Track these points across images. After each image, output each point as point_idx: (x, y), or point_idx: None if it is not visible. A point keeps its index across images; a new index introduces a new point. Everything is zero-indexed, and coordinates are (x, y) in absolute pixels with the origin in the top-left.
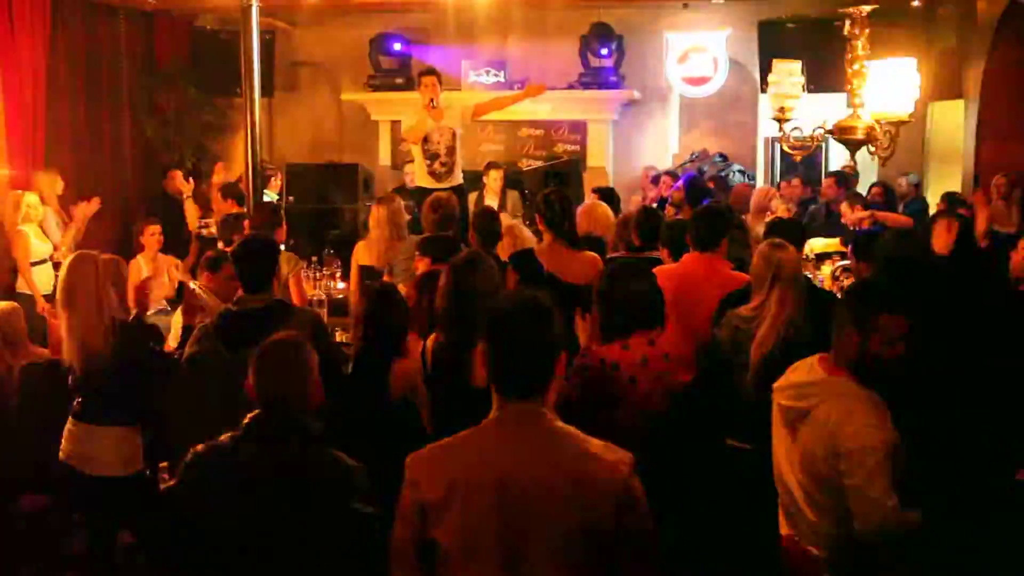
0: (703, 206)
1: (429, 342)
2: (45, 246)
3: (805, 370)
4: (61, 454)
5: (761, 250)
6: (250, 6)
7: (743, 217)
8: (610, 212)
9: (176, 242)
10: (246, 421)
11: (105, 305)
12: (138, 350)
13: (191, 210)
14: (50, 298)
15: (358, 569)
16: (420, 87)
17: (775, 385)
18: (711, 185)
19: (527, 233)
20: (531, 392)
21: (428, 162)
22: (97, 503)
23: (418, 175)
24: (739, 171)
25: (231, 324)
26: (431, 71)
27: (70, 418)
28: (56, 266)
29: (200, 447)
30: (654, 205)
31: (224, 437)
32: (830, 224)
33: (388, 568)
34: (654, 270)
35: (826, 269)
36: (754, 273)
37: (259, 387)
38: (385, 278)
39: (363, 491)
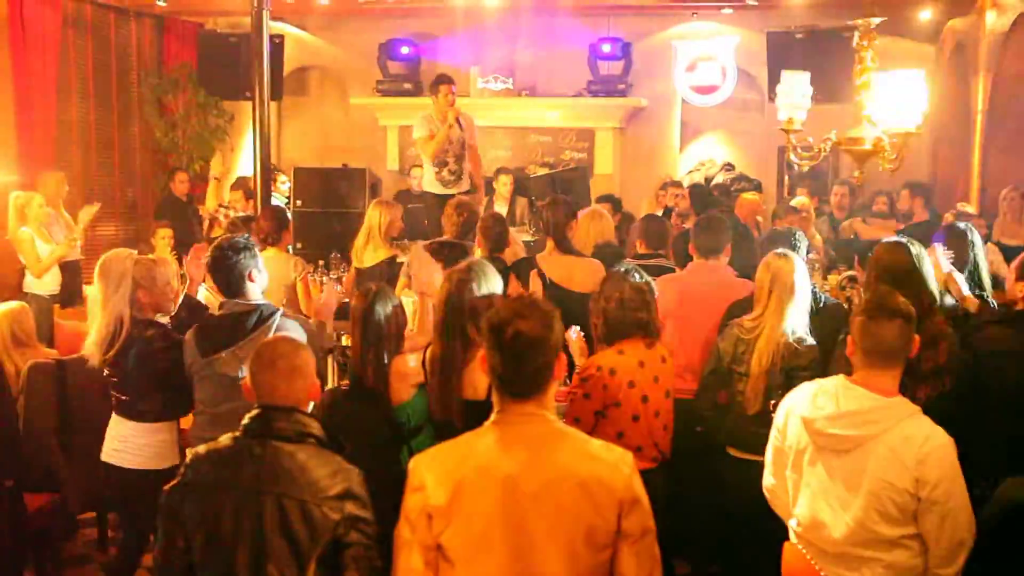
0: (705, 214)
1: (428, 352)
2: (48, 247)
3: (847, 397)
4: (103, 453)
5: (764, 260)
6: (260, 10)
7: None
8: (610, 220)
9: (184, 244)
10: (245, 421)
11: (124, 304)
12: (156, 347)
13: (212, 192)
14: (56, 299)
15: (354, 572)
16: (438, 96)
17: (808, 416)
18: (716, 194)
19: (516, 238)
20: (531, 393)
21: (436, 169)
22: (132, 497)
23: (427, 180)
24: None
25: (209, 329)
26: (450, 79)
27: (113, 414)
28: (62, 267)
29: (200, 448)
30: (660, 213)
31: (224, 438)
32: (835, 235)
33: (390, 570)
34: (659, 278)
35: (832, 279)
36: (756, 283)
37: (256, 387)
38: (401, 280)
39: (360, 496)
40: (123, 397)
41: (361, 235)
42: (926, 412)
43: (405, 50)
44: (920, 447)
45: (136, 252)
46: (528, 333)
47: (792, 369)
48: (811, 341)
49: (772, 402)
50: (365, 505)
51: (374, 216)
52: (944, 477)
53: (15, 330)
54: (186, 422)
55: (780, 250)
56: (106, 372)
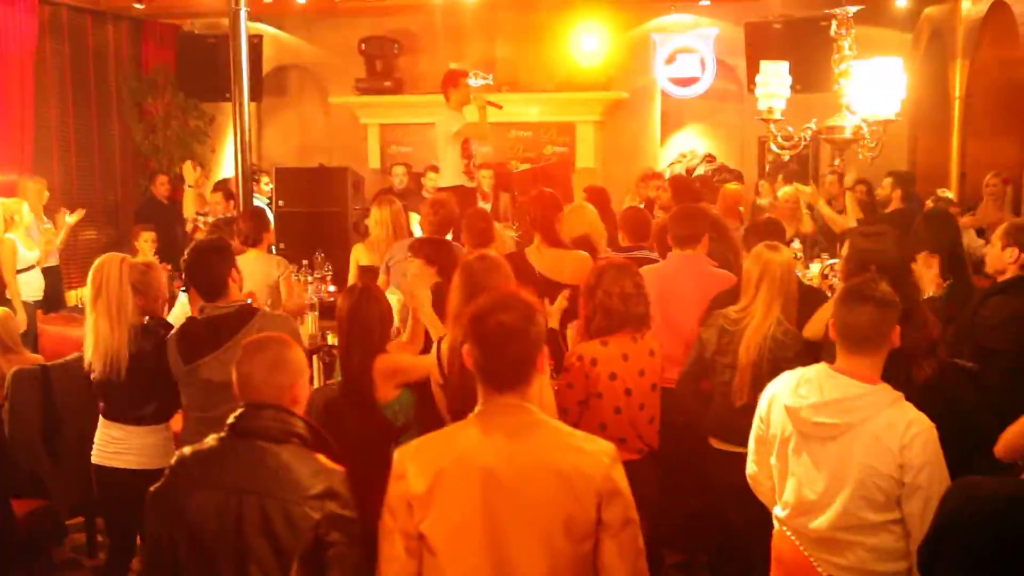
0: (682, 205)
1: (444, 343)
2: (32, 253)
3: (829, 385)
4: (93, 457)
5: (754, 250)
6: (238, 10)
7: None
8: (595, 212)
9: (166, 247)
10: (229, 420)
11: (125, 307)
12: (158, 352)
13: (190, 200)
14: (40, 304)
15: (336, 572)
16: (459, 87)
17: (792, 405)
18: (697, 185)
19: (505, 234)
20: (513, 385)
21: (465, 160)
22: (129, 499)
23: (452, 175)
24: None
25: (190, 334)
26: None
27: (100, 418)
28: (44, 272)
29: (187, 449)
30: (642, 205)
31: (210, 438)
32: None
33: (373, 564)
34: (640, 270)
35: (815, 267)
36: (744, 273)
37: (240, 383)
38: (381, 277)
39: (341, 495)
40: (116, 401)
41: (382, 236)
42: (930, 391)
43: (385, 49)
44: (904, 433)
45: (129, 256)
46: (509, 324)
47: (779, 360)
48: (796, 331)
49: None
50: (347, 504)
51: (397, 214)
52: (928, 462)
53: (1, 336)
54: (176, 424)
55: (770, 242)
56: (93, 377)
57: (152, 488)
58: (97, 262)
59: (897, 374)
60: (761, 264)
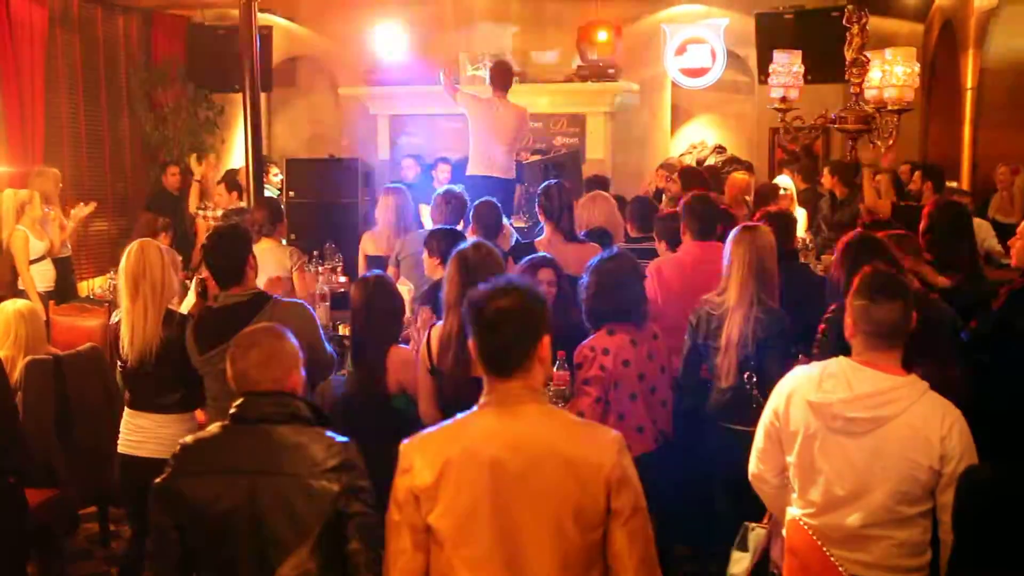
0: (696, 195)
1: (434, 331)
2: (42, 244)
3: (859, 379)
4: (119, 447)
5: (731, 233)
6: (249, 1)
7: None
8: (613, 203)
9: (175, 238)
10: (232, 410)
11: (167, 290)
12: (179, 340)
13: (195, 193)
14: (51, 295)
15: (354, 546)
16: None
17: (819, 400)
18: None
19: (504, 225)
20: (515, 370)
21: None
22: (147, 487)
23: (509, 166)
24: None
25: (207, 323)
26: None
27: (126, 408)
28: (56, 263)
29: (188, 439)
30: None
31: (213, 427)
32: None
33: (383, 549)
34: (660, 259)
35: (827, 259)
36: (724, 257)
37: (237, 380)
38: (390, 270)
39: (357, 466)
40: (143, 391)
41: (386, 224)
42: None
43: (394, 40)
44: (941, 423)
45: (157, 242)
46: (508, 309)
47: (763, 339)
48: (778, 310)
49: (746, 373)
50: (364, 474)
51: (402, 203)
52: (966, 450)
53: (27, 335)
54: (202, 415)
55: (750, 223)
56: (123, 366)
57: (156, 480)
58: (133, 249)
59: None
60: (733, 245)
